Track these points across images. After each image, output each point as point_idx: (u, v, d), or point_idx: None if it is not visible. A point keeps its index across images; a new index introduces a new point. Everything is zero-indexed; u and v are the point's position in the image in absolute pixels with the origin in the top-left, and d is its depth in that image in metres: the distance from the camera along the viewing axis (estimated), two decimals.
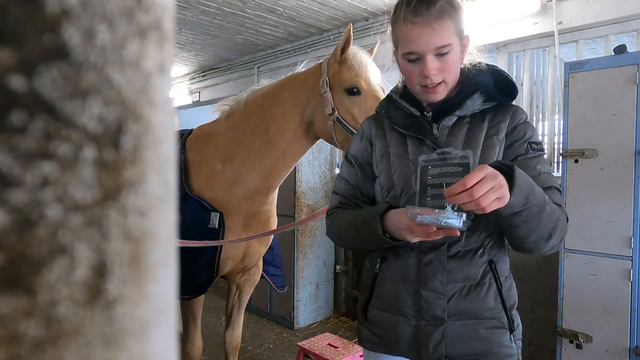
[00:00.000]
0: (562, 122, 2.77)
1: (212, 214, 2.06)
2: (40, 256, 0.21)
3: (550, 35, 3.33)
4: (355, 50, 1.95)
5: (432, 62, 1.14)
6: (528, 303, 3.32)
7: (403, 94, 1.32)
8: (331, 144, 2.01)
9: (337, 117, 1.87)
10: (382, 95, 1.90)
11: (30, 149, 0.20)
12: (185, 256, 2.02)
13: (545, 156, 1.22)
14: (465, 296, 1.18)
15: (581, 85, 2.58)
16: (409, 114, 1.28)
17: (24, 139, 0.20)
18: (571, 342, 2.59)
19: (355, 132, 1.83)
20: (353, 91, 1.87)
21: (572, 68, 2.63)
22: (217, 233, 2.07)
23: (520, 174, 1.00)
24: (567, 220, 1.16)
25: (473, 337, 1.17)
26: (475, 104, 1.22)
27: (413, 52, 1.15)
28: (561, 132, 2.81)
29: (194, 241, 1.95)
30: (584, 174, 2.57)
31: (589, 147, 2.54)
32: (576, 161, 2.59)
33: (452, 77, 1.20)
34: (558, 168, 3.24)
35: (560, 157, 2.72)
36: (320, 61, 2.06)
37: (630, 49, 2.62)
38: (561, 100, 3.11)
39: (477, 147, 1.19)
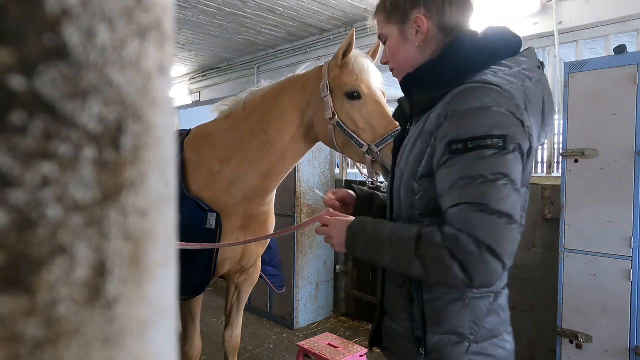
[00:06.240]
0: (562, 122, 2.77)
1: (209, 214, 2.06)
2: (40, 256, 0.21)
3: (550, 35, 3.33)
4: (357, 54, 1.94)
5: (383, 51, 1.27)
6: (528, 303, 3.32)
7: None
8: (331, 147, 2.00)
9: (338, 121, 1.86)
10: (383, 100, 1.88)
11: (30, 149, 0.20)
12: (182, 257, 2.03)
13: (476, 153, 0.95)
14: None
15: (581, 85, 2.58)
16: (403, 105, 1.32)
17: (24, 139, 0.20)
18: (571, 342, 2.59)
19: (356, 136, 1.82)
20: (354, 95, 1.85)
21: (572, 68, 2.63)
22: (214, 234, 2.06)
23: (351, 238, 1.11)
24: (467, 249, 0.92)
25: None
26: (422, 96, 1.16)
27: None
28: (561, 132, 2.81)
29: (193, 244, 1.95)
30: (584, 174, 2.57)
31: (589, 147, 2.54)
32: (576, 161, 2.59)
33: (397, 62, 1.23)
34: (558, 168, 3.25)
35: (560, 157, 2.72)
36: (321, 64, 2.05)
37: (630, 49, 2.62)
38: (561, 100, 3.11)
39: (409, 157, 1.13)
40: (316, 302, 4.47)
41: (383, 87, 1.94)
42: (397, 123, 1.79)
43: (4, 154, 0.20)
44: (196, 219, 2.05)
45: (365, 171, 1.98)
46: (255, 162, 2.04)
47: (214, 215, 2.06)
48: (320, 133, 1.97)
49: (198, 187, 2.10)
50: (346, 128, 1.85)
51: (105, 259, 0.23)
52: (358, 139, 1.82)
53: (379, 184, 1.95)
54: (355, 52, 1.94)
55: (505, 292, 1.16)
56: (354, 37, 1.91)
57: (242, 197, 2.08)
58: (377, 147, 1.78)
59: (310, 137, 2.04)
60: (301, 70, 2.15)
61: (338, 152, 2.01)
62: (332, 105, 1.88)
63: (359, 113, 1.84)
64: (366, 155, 1.82)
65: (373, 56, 2.03)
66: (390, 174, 1.22)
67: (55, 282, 0.21)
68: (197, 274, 2.10)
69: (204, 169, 2.12)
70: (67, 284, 0.21)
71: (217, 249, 2.09)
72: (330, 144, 1.95)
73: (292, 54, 5.41)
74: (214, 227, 2.05)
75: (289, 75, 2.14)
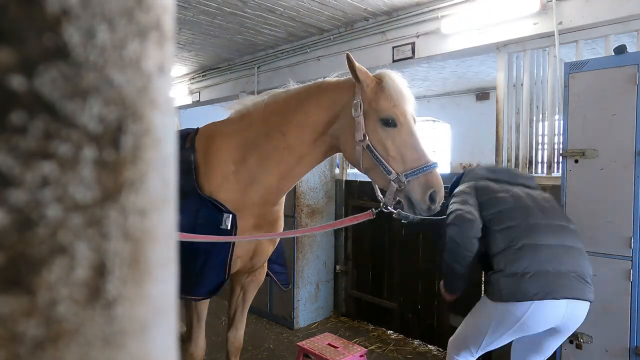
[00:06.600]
0: (562, 122, 2.77)
1: (225, 215, 2.05)
2: (40, 256, 0.21)
3: (550, 35, 3.33)
4: (394, 78, 1.91)
5: None
6: None
7: None
8: (355, 166, 1.99)
9: (368, 144, 1.85)
10: (417, 131, 1.89)
11: (30, 149, 0.20)
12: (197, 257, 2.02)
13: None
14: None
15: (581, 85, 2.58)
16: None
17: (24, 139, 0.20)
18: (571, 342, 2.59)
19: (385, 162, 1.83)
20: (389, 122, 1.84)
21: (572, 68, 2.63)
22: (229, 234, 2.06)
23: None
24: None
25: None
26: None
27: None
28: (561, 132, 2.81)
29: (209, 236, 1.95)
30: (584, 174, 2.57)
31: (589, 147, 2.54)
32: (576, 161, 2.59)
33: None
34: (558, 168, 3.25)
35: (560, 157, 2.72)
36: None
37: (630, 49, 2.62)
38: (561, 100, 3.11)
39: None
40: (316, 302, 4.47)
41: (415, 113, 1.93)
42: (429, 157, 1.81)
43: (4, 154, 0.20)
44: (211, 220, 2.04)
45: (380, 195, 1.98)
46: (272, 163, 2.04)
47: (230, 216, 2.05)
48: (346, 151, 1.96)
49: (213, 187, 2.09)
50: (376, 153, 1.84)
51: (105, 259, 0.23)
52: (387, 165, 1.83)
53: (392, 210, 1.96)
54: (392, 74, 1.91)
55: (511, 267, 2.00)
56: (351, 58, 1.87)
57: (259, 197, 2.09)
58: (406, 178, 1.79)
59: (331, 148, 2.04)
60: (332, 76, 2.09)
61: (361, 171, 2.00)
62: (364, 127, 1.86)
63: (392, 141, 1.84)
64: (392, 182, 1.83)
65: None
66: None
67: (55, 282, 0.21)
68: (212, 275, 2.10)
69: (218, 170, 2.10)
70: (67, 284, 0.21)
71: (232, 250, 2.09)
72: (355, 163, 1.95)
73: (292, 54, 5.41)
74: (229, 227, 2.05)
75: (318, 81, 2.09)
